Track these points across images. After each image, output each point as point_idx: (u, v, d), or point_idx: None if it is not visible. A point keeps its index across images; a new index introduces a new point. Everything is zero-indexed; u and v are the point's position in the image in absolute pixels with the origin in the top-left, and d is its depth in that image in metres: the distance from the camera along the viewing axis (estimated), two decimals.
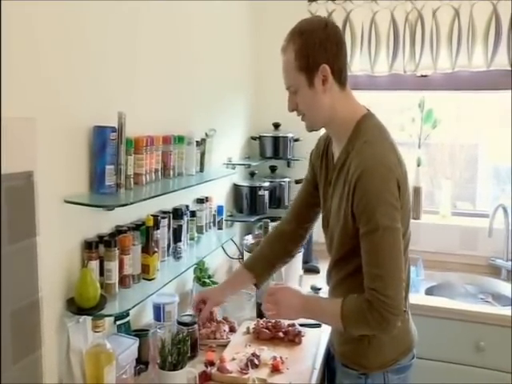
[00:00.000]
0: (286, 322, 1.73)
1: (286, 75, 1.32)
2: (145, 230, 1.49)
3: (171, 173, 1.68)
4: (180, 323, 1.57)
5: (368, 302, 1.21)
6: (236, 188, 2.53)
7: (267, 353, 1.54)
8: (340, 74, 1.29)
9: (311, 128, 1.39)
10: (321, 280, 2.01)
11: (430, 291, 2.37)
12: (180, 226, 1.74)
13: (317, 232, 1.64)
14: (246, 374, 1.44)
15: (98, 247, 1.31)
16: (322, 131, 1.46)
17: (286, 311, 1.38)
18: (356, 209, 1.24)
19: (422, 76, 2.59)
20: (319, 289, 2.10)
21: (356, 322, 1.26)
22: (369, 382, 1.36)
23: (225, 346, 1.63)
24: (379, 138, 1.30)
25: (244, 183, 2.53)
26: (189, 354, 1.40)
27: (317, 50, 1.25)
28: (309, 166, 1.56)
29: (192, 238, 1.89)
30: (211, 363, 1.50)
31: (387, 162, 1.24)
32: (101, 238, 1.34)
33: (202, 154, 1.95)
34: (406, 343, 1.40)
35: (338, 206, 1.32)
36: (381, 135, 1.31)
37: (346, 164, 1.30)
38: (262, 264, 1.58)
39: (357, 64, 2.60)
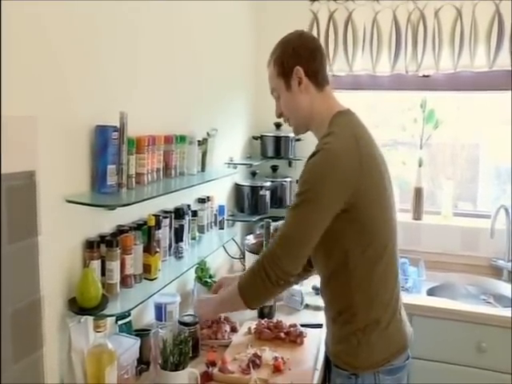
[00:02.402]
0: (287, 323, 1.73)
1: (270, 83, 1.46)
2: (146, 230, 1.49)
3: (173, 172, 1.68)
4: (181, 323, 1.56)
5: (260, 259, 1.30)
6: (237, 188, 2.52)
7: (269, 353, 1.54)
8: (316, 76, 1.40)
9: (297, 131, 1.49)
10: None
11: (431, 292, 2.37)
12: (181, 226, 1.73)
13: None
14: (248, 374, 1.44)
15: (99, 247, 1.30)
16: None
17: (206, 317, 1.63)
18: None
19: (424, 76, 2.59)
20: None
21: (248, 284, 1.32)
22: (359, 382, 1.35)
23: (226, 346, 1.63)
24: (343, 130, 1.33)
25: (245, 183, 2.53)
26: (190, 355, 1.40)
27: (291, 56, 1.39)
28: None
29: (193, 238, 1.89)
30: (213, 363, 1.50)
31: (341, 151, 1.27)
32: (102, 237, 1.33)
33: (204, 154, 1.94)
34: (399, 344, 1.39)
35: None
36: (346, 129, 1.34)
37: None
38: None
39: (359, 64, 2.59)
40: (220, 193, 2.28)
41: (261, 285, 1.29)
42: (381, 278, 1.35)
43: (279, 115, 1.47)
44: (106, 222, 1.40)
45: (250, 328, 1.73)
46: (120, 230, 1.41)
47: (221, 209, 2.16)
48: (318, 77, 1.40)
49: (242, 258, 2.38)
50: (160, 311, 1.62)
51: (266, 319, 1.78)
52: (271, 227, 2.06)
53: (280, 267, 1.25)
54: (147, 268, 1.47)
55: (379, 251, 1.34)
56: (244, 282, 1.34)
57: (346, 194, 1.25)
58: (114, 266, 1.32)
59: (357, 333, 1.34)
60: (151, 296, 1.42)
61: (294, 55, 1.38)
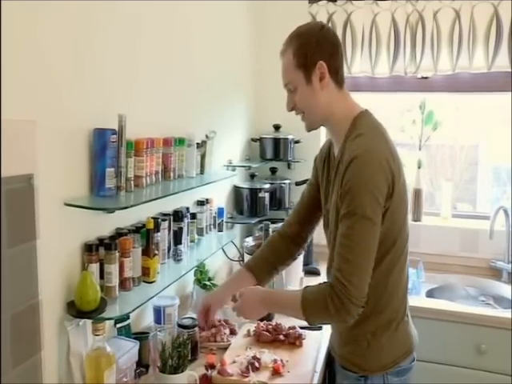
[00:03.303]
0: (286, 325, 1.73)
1: (285, 74, 1.36)
2: (145, 233, 1.49)
3: (171, 175, 1.68)
4: (180, 326, 1.56)
5: (330, 286, 1.22)
6: (236, 190, 2.52)
7: (268, 356, 1.54)
8: (337, 73, 1.34)
9: (310, 127, 1.41)
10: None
11: (430, 293, 2.37)
12: (180, 229, 1.73)
13: (317, 234, 1.63)
14: (247, 377, 1.43)
15: (98, 250, 1.30)
16: (322, 133, 1.46)
17: (249, 314, 1.42)
18: (341, 190, 1.25)
19: (423, 78, 2.59)
20: None
21: (315, 308, 1.25)
22: (368, 383, 1.36)
23: (225, 348, 1.62)
24: (373, 131, 1.31)
25: (244, 185, 2.52)
26: (189, 357, 1.40)
27: (314, 48, 1.30)
28: (313, 170, 1.57)
29: (192, 241, 1.89)
30: (212, 366, 1.49)
31: (378, 153, 1.25)
32: (101, 240, 1.33)
33: (203, 156, 1.94)
34: (406, 346, 1.40)
35: (335, 202, 1.32)
36: (376, 130, 1.33)
37: (342, 160, 1.30)
38: (264, 265, 1.57)
39: (357, 66, 2.60)
40: (219, 195, 2.28)
41: (335, 317, 1.22)
42: (395, 282, 1.36)
43: (291, 109, 1.39)
44: (104, 225, 1.40)
45: (249, 330, 1.73)
46: (119, 233, 1.41)
47: (220, 211, 2.16)
48: (338, 74, 1.34)
49: (241, 260, 2.37)
50: (159, 314, 1.62)
51: (265, 321, 1.78)
52: (270, 229, 2.05)
53: (357, 296, 1.19)
54: (146, 271, 1.47)
55: (397, 255, 1.34)
56: (313, 312, 1.26)
57: (385, 197, 1.24)
58: (113, 269, 1.31)
59: (367, 335, 1.35)
60: (150, 299, 1.43)
61: (318, 48, 1.30)
